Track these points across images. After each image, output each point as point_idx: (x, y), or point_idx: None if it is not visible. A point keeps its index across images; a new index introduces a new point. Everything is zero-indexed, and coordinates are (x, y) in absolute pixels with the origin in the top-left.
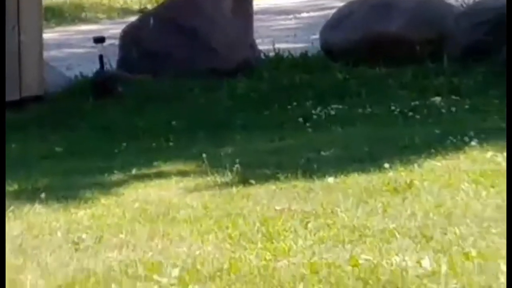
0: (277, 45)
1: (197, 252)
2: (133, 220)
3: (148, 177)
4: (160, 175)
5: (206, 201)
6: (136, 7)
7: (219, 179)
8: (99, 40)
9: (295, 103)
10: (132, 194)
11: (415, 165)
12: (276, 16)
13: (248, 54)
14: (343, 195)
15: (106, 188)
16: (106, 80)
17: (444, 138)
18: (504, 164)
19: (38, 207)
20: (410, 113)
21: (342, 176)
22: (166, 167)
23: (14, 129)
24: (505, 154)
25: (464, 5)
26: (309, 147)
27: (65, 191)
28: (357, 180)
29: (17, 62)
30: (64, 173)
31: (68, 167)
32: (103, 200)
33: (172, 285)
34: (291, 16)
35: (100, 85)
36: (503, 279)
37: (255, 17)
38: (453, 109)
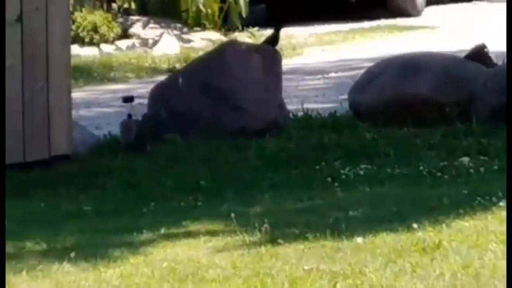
0: (305, 105)
1: None
2: (162, 280)
3: (177, 236)
4: (188, 234)
5: (234, 261)
6: (164, 66)
7: (247, 238)
8: (128, 99)
9: (323, 163)
10: (160, 254)
11: (443, 225)
12: (304, 76)
13: (277, 114)
14: (372, 255)
15: (134, 247)
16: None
17: (472, 199)
18: None
19: (67, 266)
20: (439, 174)
21: (370, 236)
22: (194, 227)
23: (42, 188)
24: None
25: (493, 67)
26: (337, 207)
27: (94, 250)
28: (385, 240)
29: (47, 121)
30: (92, 232)
31: (96, 226)
32: (131, 259)
33: None
34: (319, 76)
35: (130, 143)
36: None
37: (283, 77)
38: (482, 169)
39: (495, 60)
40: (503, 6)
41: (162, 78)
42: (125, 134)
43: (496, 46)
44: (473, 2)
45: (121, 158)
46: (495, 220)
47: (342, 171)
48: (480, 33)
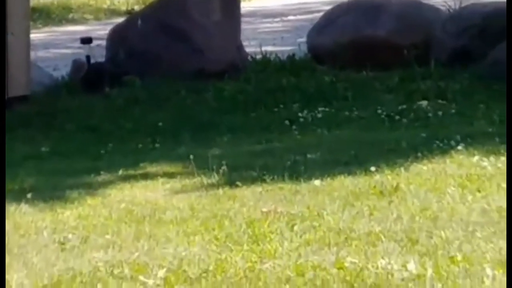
0: (264, 48)
1: (183, 254)
2: (119, 221)
3: (135, 178)
4: (146, 176)
5: (192, 203)
6: (123, 8)
7: (205, 180)
8: (86, 40)
9: (281, 106)
10: (118, 195)
11: (402, 168)
12: (263, 19)
13: (235, 56)
14: (329, 197)
15: (92, 188)
16: (95, 74)
17: (430, 142)
18: (490, 168)
19: (24, 207)
20: (397, 117)
21: (328, 179)
22: (152, 168)
23: None
24: (491, 158)
25: (451, 10)
26: (295, 150)
27: (52, 191)
28: (343, 183)
29: (4, 62)
30: (50, 173)
31: (54, 168)
32: (89, 201)
33: (157, 286)
34: (278, 19)
35: (88, 80)
36: (488, 283)
37: (242, 19)
38: (440, 113)
39: (452, 4)
40: None
41: (121, 20)
42: (74, 73)
43: None
44: None
45: (79, 100)
46: (453, 163)
47: (300, 114)
48: None
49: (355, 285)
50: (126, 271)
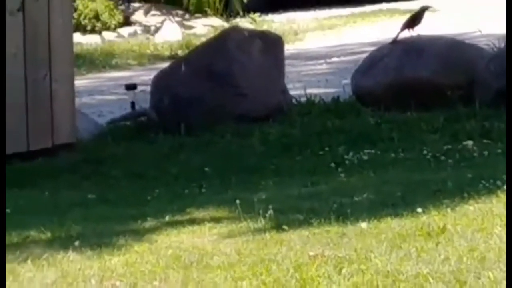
0: (308, 91)
1: None
2: (167, 267)
3: (181, 223)
4: (193, 221)
5: (239, 247)
6: (166, 53)
7: (252, 225)
8: (131, 87)
9: (327, 148)
10: (165, 241)
11: (448, 209)
12: (306, 61)
13: (280, 99)
14: (377, 240)
15: (139, 235)
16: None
17: (476, 182)
18: None
19: (72, 254)
20: (443, 157)
21: (375, 221)
22: (199, 214)
23: (46, 177)
24: None
25: (495, 49)
26: (341, 192)
27: (99, 238)
28: (390, 225)
29: (49, 110)
30: (97, 220)
31: (101, 214)
32: (136, 247)
33: None
34: (321, 61)
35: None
36: None
37: (286, 62)
38: (485, 153)
39: (497, 43)
40: None
41: (164, 65)
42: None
43: (497, 28)
44: None
45: (124, 146)
46: (500, 203)
47: (345, 156)
48: (481, 16)
49: None
50: None
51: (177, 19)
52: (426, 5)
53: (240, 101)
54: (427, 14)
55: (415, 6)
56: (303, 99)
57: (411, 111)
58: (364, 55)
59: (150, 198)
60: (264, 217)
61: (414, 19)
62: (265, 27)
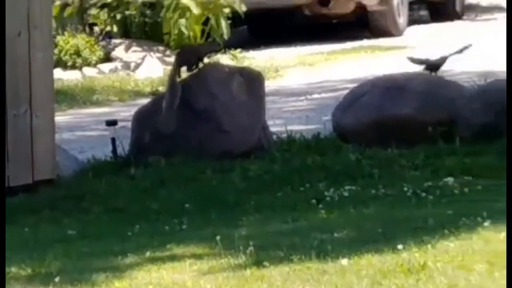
0: (289, 127)
1: None
2: None
3: (162, 259)
4: (173, 257)
5: (220, 284)
6: (147, 89)
7: (232, 261)
8: (112, 123)
9: (308, 185)
10: (146, 277)
11: (429, 246)
12: (287, 98)
13: (260, 136)
14: (357, 276)
15: (120, 271)
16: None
17: (457, 219)
18: None
19: None
20: (423, 194)
21: (355, 258)
22: (179, 250)
23: (26, 213)
24: None
25: (476, 86)
26: (322, 229)
27: (79, 274)
28: (370, 262)
29: (30, 145)
30: (78, 256)
31: (81, 250)
32: (116, 283)
33: None
34: (302, 98)
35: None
36: None
37: (267, 98)
38: (466, 189)
39: (477, 80)
40: (485, 25)
41: (145, 101)
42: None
43: (478, 65)
44: (455, 21)
45: (105, 182)
46: (480, 240)
47: (326, 193)
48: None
49: None
50: None
51: (158, 55)
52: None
53: (221, 138)
54: (408, 51)
55: (396, 43)
56: (283, 136)
57: (392, 147)
58: (345, 92)
59: (131, 233)
60: (245, 253)
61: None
62: (246, 63)
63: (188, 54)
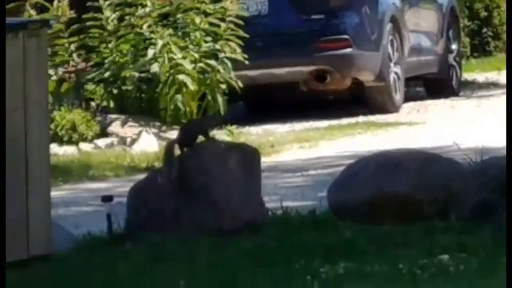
0: (284, 203)
1: None
2: None
3: None
4: None
5: None
6: (143, 165)
7: None
8: (107, 199)
9: (303, 261)
10: None
11: None
12: (283, 174)
13: (256, 212)
14: None
15: None
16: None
17: None
18: None
19: None
20: (418, 271)
21: None
22: None
23: None
24: None
25: (472, 164)
26: None
27: None
28: None
29: (25, 221)
30: None
31: None
32: None
33: None
34: (298, 174)
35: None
36: None
37: (262, 174)
38: (461, 267)
39: (473, 157)
40: (481, 102)
41: (141, 176)
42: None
43: (474, 142)
44: (451, 98)
45: (100, 258)
46: None
47: (321, 269)
48: (458, 129)
49: None
50: None
51: (154, 130)
52: None
53: (216, 215)
54: (404, 128)
55: (391, 119)
56: (279, 212)
57: (387, 224)
58: (341, 168)
59: None
60: None
61: None
62: (242, 139)
63: (191, 130)
